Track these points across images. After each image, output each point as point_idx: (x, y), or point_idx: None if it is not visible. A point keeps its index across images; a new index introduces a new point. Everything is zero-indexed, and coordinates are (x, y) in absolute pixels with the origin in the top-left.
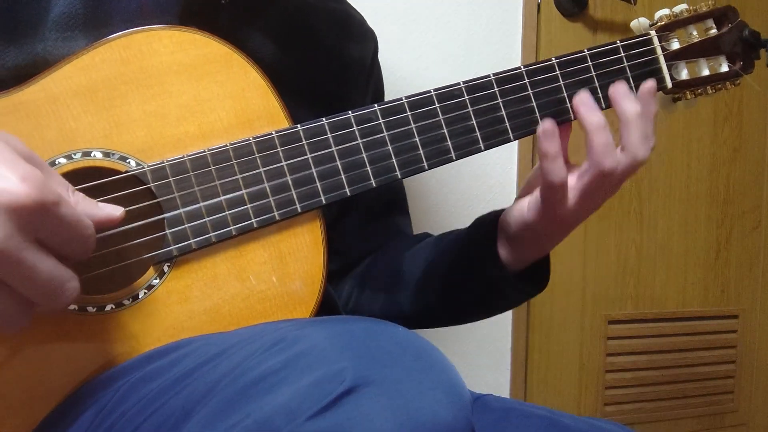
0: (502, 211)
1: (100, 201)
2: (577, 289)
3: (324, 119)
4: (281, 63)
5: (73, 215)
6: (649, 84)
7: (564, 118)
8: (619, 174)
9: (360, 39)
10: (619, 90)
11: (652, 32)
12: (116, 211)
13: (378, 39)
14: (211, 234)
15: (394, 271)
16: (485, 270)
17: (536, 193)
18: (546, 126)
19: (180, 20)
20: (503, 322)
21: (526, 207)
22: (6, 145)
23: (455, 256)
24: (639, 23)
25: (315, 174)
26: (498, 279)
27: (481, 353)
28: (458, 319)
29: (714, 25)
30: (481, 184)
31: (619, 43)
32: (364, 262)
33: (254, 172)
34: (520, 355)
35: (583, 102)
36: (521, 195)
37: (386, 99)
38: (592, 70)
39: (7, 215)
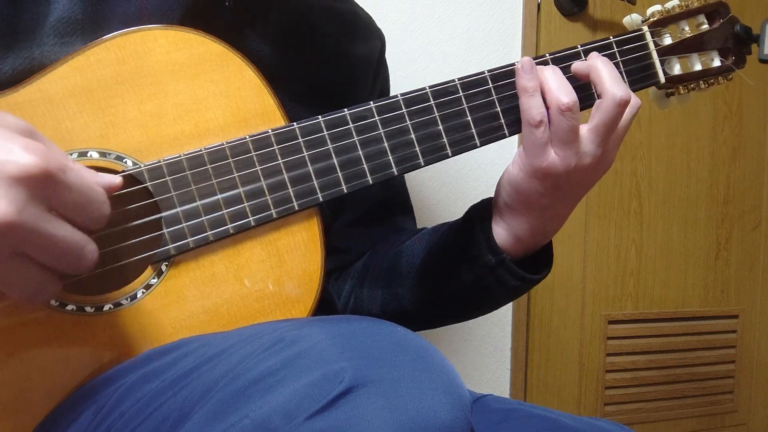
0: (490, 200)
1: None
2: (577, 289)
3: (320, 117)
4: (283, 64)
5: (81, 181)
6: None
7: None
8: (602, 112)
9: (366, 38)
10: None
11: (645, 28)
12: (115, 179)
13: None
14: (209, 233)
15: (392, 265)
16: (481, 255)
17: (521, 147)
18: (523, 61)
19: (181, 23)
20: (503, 322)
21: (513, 164)
22: (3, 122)
23: (451, 243)
24: (631, 19)
25: (311, 171)
26: (495, 265)
27: (481, 353)
28: (459, 312)
29: (705, 21)
30: (481, 184)
31: (612, 39)
32: (363, 259)
33: (251, 170)
34: (520, 355)
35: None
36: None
37: None
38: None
39: (17, 186)
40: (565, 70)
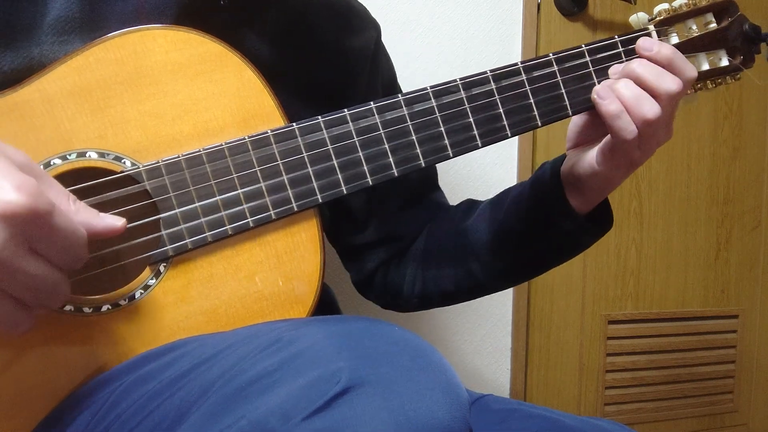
0: (556, 163)
1: (92, 202)
2: (577, 289)
3: (320, 117)
4: (280, 62)
5: (66, 225)
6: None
7: (561, 114)
8: (665, 110)
9: (360, 30)
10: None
11: (651, 27)
12: (118, 221)
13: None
14: (207, 234)
15: (458, 244)
16: (561, 224)
17: (604, 146)
18: (598, 89)
19: (177, 22)
20: (503, 322)
21: (595, 160)
22: (2, 155)
23: (525, 216)
24: (638, 18)
25: (311, 172)
26: (574, 230)
27: (481, 353)
28: (533, 274)
29: (713, 20)
30: (482, 184)
31: (617, 38)
32: (419, 243)
33: (250, 171)
34: (520, 355)
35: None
36: (573, 145)
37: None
38: (590, 65)
39: (2, 223)
40: (571, 70)
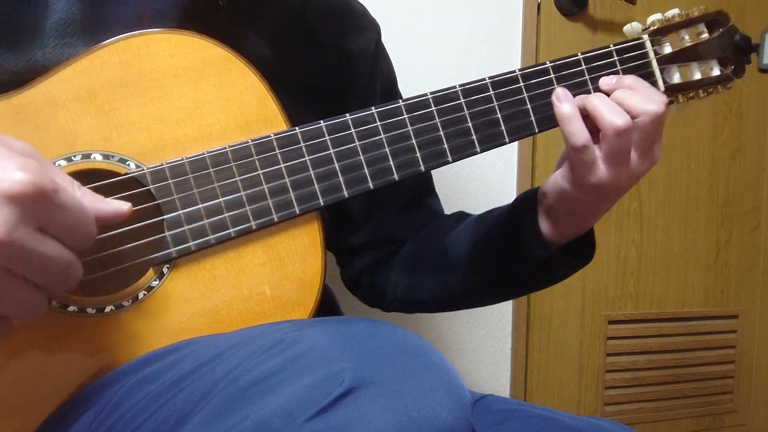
0: (537, 188)
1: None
2: (576, 289)
3: (322, 122)
4: (281, 63)
5: (73, 202)
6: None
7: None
8: (641, 130)
9: (360, 31)
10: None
11: (645, 36)
12: (123, 205)
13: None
14: (210, 236)
15: (438, 255)
16: (530, 249)
17: (565, 162)
18: (557, 91)
19: (179, 24)
20: (503, 322)
21: (560, 175)
22: (3, 145)
23: (498, 236)
24: (632, 28)
25: (313, 176)
26: (544, 258)
27: (481, 353)
28: (506, 297)
29: (705, 30)
30: (481, 185)
31: (612, 47)
32: (406, 249)
33: (252, 174)
34: (520, 355)
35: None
36: (557, 167)
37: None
38: (586, 73)
39: (9, 204)
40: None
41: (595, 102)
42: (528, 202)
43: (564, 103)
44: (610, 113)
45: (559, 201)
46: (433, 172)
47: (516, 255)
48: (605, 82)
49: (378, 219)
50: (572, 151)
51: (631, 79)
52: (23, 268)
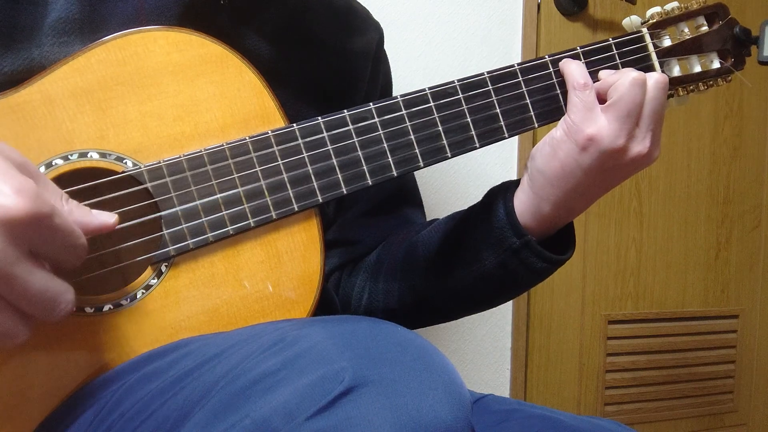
0: (511, 182)
1: (94, 202)
2: (576, 288)
3: (319, 118)
4: (281, 62)
5: (66, 225)
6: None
7: (557, 115)
8: (651, 99)
9: (362, 32)
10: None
11: (644, 30)
12: (110, 218)
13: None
14: (209, 234)
15: (407, 257)
16: (505, 239)
17: (564, 116)
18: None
19: (178, 22)
20: (503, 322)
21: (556, 128)
22: (0, 154)
23: (471, 227)
24: (631, 21)
25: (311, 172)
26: (520, 247)
27: (481, 353)
28: (482, 300)
29: (705, 23)
30: (481, 184)
31: (611, 41)
32: (373, 254)
33: (250, 171)
34: (520, 355)
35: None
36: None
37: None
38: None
39: (1, 229)
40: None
41: (608, 71)
42: (503, 189)
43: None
44: (625, 71)
45: (551, 158)
46: (431, 171)
47: (488, 246)
48: (607, 72)
49: (344, 219)
50: (572, 92)
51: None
52: (6, 293)
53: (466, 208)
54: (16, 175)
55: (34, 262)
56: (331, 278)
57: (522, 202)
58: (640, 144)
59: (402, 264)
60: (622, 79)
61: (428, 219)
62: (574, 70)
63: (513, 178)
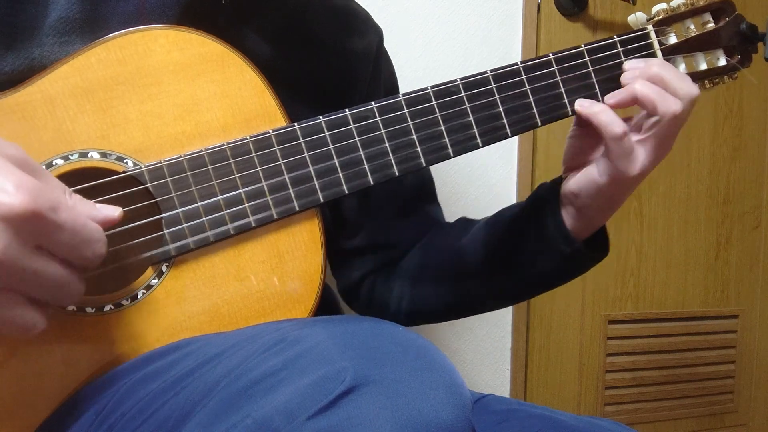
0: (554, 184)
1: (98, 201)
2: (577, 289)
3: (321, 117)
4: (281, 62)
5: (74, 219)
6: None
7: (561, 113)
8: (683, 113)
9: (362, 33)
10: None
11: (649, 27)
12: (114, 211)
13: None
14: (209, 233)
15: (452, 263)
16: (555, 243)
17: (602, 158)
18: (579, 102)
19: (178, 22)
20: (503, 322)
21: (597, 173)
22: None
23: (520, 238)
24: (636, 18)
25: (312, 172)
26: (571, 253)
27: (481, 353)
28: (531, 295)
29: (711, 19)
30: (482, 184)
31: (616, 38)
32: (410, 258)
33: (251, 171)
34: (520, 355)
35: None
36: (569, 169)
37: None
38: (590, 65)
39: (3, 224)
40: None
41: (645, 90)
42: (546, 198)
43: (589, 107)
44: (665, 100)
45: (596, 198)
46: (433, 172)
47: (539, 250)
48: (632, 65)
49: (375, 223)
50: (612, 142)
51: (658, 63)
52: (18, 286)
53: (502, 209)
54: (16, 171)
55: (42, 255)
56: (364, 283)
57: (566, 217)
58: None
59: (450, 271)
60: (663, 109)
61: None
62: (609, 121)
63: (513, 179)
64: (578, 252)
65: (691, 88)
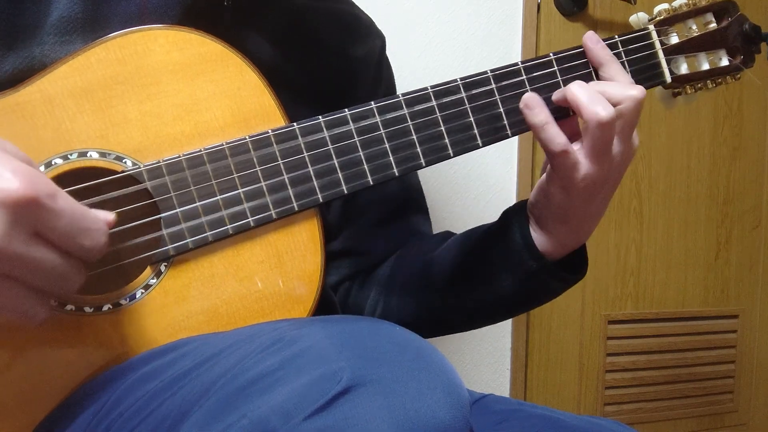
0: (524, 203)
1: (93, 201)
2: (576, 288)
3: (320, 117)
4: (283, 63)
5: (72, 207)
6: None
7: (561, 113)
8: (624, 117)
9: (366, 39)
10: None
11: (651, 27)
12: (108, 216)
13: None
14: (208, 233)
15: (422, 274)
16: (523, 262)
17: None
18: (526, 97)
19: (180, 22)
20: (503, 322)
21: (546, 181)
22: (1, 147)
23: (488, 251)
24: (638, 18)
25: (311, 172)
26: (537, 270)
27: (481, 353)
28: (499, 315)
29: (713, 19)
30: (481, 184)
31: (617, 38)
32: (386, 267)
33: (250, 170)
34: (520, 355)
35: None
36: (542, 173)
37: None
38: (590, 65)
39: (1, 210)
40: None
41: (577, 92)
42: (517, 212)
43: (535, 109)
44: (593, 104)
45: (548, 208)
46: (431, 171)
47: (506, 269)
48: (577, 92)
49: (354, 228)
50: (552, 158)
51: (614, 69)
52: (17, 273)
53: (477, 226)
54: (13, 160)
55: (40, 242)
56: (340, 288)
57: (534, 233)
58: (621, 156)
59: (418, 281)
60: (588, 116)
61: (431, 221)
62: (551, 138)
63: (513, 179)
64: (546, 268)
65: (625, 91)
